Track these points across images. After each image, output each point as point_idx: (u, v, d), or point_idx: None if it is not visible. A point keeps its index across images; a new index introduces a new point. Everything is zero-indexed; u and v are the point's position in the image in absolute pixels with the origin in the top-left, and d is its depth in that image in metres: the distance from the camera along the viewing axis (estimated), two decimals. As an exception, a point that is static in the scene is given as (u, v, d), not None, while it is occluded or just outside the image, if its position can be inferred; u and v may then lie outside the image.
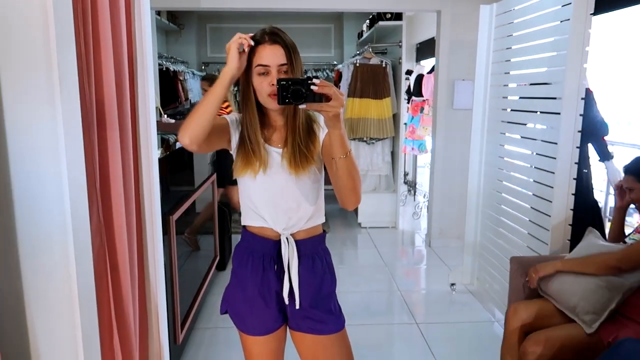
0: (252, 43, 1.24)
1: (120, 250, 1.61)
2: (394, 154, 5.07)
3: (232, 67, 1.21)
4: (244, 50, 1.24)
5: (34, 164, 1.21)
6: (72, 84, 1.25)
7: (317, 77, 1.12)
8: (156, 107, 3.59)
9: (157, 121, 2.31)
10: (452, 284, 3.31)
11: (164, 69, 5.13)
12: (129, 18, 1.71)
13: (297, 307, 1.36)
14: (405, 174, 6.21)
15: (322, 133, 1.35)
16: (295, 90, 1.12)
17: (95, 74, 1.47)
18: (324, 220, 1.44)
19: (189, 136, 1.21)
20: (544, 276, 1.92)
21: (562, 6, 2.23)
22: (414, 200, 5.80)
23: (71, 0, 1.24)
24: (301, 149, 1.31)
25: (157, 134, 2.43)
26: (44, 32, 1.17)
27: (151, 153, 1.86)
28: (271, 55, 1.25)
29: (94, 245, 1.41)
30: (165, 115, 3.58)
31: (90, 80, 1.43)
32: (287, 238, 1.36)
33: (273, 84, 1.24)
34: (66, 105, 1.22)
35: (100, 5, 1.46)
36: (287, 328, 1.46)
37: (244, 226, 1.44)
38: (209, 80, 4.16)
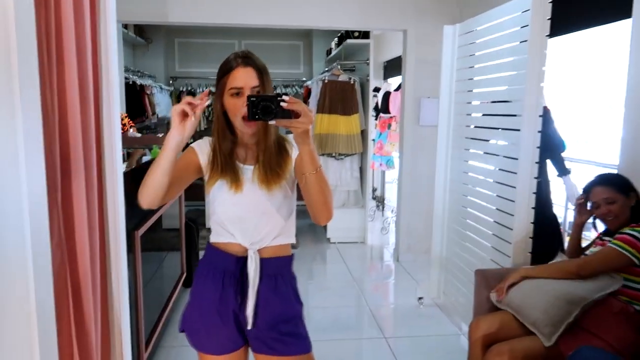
0: (204, 104, 1.18)
1: (82, 267, 1.57)
2: (362, 170, 5.12)
3: (173, 134, 1.18)
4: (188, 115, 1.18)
5: (-9, 178, 1.17)
6: (33, 96, 1.23)
7: (286, 94, 1.13)
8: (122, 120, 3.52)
9: (122, 135, 2.27)
10: (420, 298, 3.35)
11: (131, 82, 5.06)
12: (94, 30, 1.69)
13: (249, 327, 1.35)
14: (374, 190, 6.27)
15: (294, 152, 1.36)
16: (264, 107, 1.12)
17: (58, 87, 1.44)
18: (294, 241, 1.44)
19: (146, 202, 1.24)
20: (513, 283, 1.97)
21: (521, 27, 2.33)
22: (383, 215, 5.86)
23: (34, 12, 1.23)
24: (272, 166, 1.32)
25: (123, 148, 2.38)
26: (4, 43, 1.14)
27: (116, 167, 1.82)
28: (244, 77, 1.27)
29: (54, 263, 1.37)
30: (132, 129, 3.52)
31: (53, 94, 1.40)
32: (253, 253, 1.35)
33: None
34: (27, 118, 1.19)
35: (65, 17, 1.44)
36: (249, 349, 1.44)
37: (209, 242, 1.43)
38: None
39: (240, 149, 1.38)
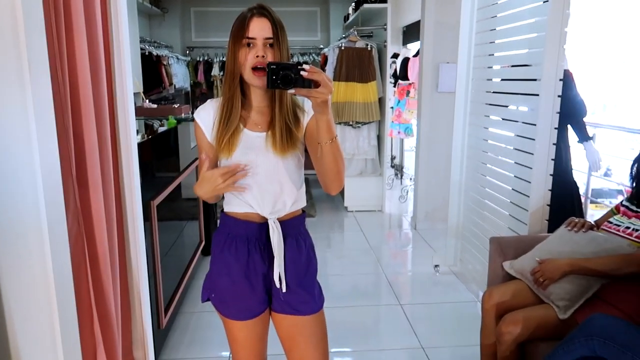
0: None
1: (99, 237, 1.60)
2: (380, 138, 5.07)
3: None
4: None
5: (3, 149, 1.19)
6: (42, 67, 1.24)
7: (307, 63, 1.13)
8: (137, 93, 3.54)
9: (138, 106, 2.29)
10: (436, 266, 3.35)
11: (147, 53, 5.06)
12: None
13: (284, 290, 1.36)
14: (392, 158, 6.22)
15: (306, 118, 1.34)
16: (284, 75, 1.12)
17: (69, 57, 1.44)
18: (305, 204, 1.44)
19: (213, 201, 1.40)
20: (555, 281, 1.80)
21: (543, -13, 2.22)
22: (401, 183, 5.83)
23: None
24: (289, 128, 1.30)
25: (140, 119, 2.40)
26: (10, 14, 1.15)
27: (130, 138, 1.84)
28: (258, 28, 1.24)
29: (71, 233, 1.40)
30: (147, 101, 3.54)
31: (63, 64, 1.41)
32: (273, 222, 1.35)
33: (258, 56, 1.24)
34: (37, 88, 1.20)
35: (72, -13, 1.43)
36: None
37: (224, 212, 1.42)
38: None
39: (252, 113, 1.34)
